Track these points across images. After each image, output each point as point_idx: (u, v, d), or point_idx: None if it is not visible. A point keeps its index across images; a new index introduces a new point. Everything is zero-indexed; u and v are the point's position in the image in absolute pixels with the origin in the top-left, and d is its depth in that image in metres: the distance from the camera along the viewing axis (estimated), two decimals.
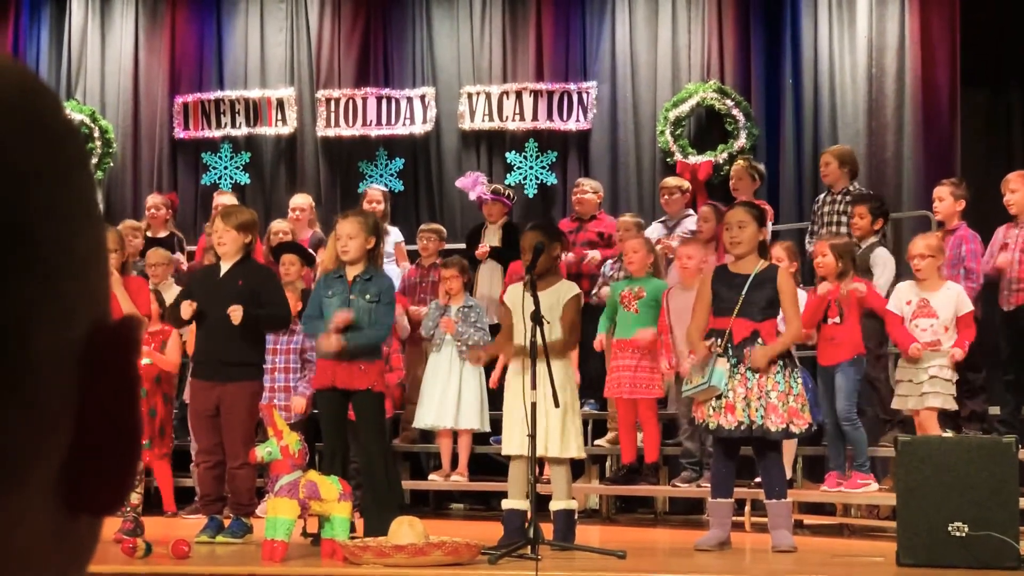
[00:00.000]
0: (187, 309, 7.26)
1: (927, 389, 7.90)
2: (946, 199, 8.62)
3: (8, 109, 0.62)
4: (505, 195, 10.43)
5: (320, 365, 7.29)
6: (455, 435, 9.36)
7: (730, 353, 6.79)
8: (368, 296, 7.10)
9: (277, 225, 10.24)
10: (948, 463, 6.03)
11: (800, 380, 6.87)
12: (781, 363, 6.80)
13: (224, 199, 10.63)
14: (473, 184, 10.64)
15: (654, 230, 10.01)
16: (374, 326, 7.13)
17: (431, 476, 9.48)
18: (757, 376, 6.74)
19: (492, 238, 10.17)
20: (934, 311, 7.94)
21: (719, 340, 6.83)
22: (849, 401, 8.13)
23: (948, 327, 7.93)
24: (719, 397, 6.76)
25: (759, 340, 6.78)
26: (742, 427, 6.77)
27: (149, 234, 10.60)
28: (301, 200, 10.68)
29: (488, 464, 9.53)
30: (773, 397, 6.74)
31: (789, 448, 8.33)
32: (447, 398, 9.24)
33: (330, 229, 10.22)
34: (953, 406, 8.02)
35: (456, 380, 9.27)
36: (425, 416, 9.32)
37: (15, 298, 0.60)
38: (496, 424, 9.62)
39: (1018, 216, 8.34)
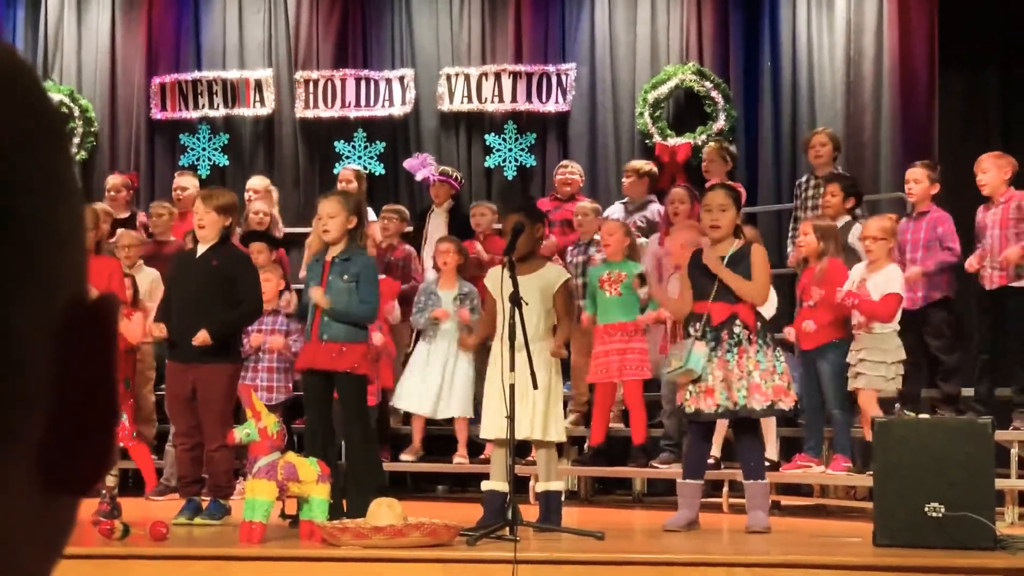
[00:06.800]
0: (158, 331, 7.32)
1: (859, 371, 7.87)
2: (922, 181, 8.57)
3: None
4: (453, 177, 10.42)
5: (303, 348, 7.28)
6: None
7: (708, 336, 6.79)
8: (346, 277, 7.02)
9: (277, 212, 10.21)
10: (925, 444, 6.05)
11: (783, 359, 6.86)
12: (761, 342, 6.79)
13: (183, 181, 10.57)
14: (421, 165, 10.66)
15: (614, 211, 9.96)
16: (358, 305, 7.08)
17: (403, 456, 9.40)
18: (737, 357, 6.74)
19: (439, 220, 10.15)
20: (868, 292, 7.88)
21: (698, 324, 6.84)
22: (835, 384, 8.07)
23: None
24: (696, 381, 6.76)
25: (737, 321, 6.78)
26: (720, 410, 6.78)
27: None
28: (256, 182, 10.60)
29: (469, 446, 9.54)
30: (756, 376, 6.73)
31: (771, 429, 8.33)
32: (443, 388, 9.14)
33: (308, 211, 10.24)
34: (889, 389, 7.87)
35: (451, 369, 9.20)
36: (411, 401, 9.25)
37: None
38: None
39: (992, 196, 8.32)
